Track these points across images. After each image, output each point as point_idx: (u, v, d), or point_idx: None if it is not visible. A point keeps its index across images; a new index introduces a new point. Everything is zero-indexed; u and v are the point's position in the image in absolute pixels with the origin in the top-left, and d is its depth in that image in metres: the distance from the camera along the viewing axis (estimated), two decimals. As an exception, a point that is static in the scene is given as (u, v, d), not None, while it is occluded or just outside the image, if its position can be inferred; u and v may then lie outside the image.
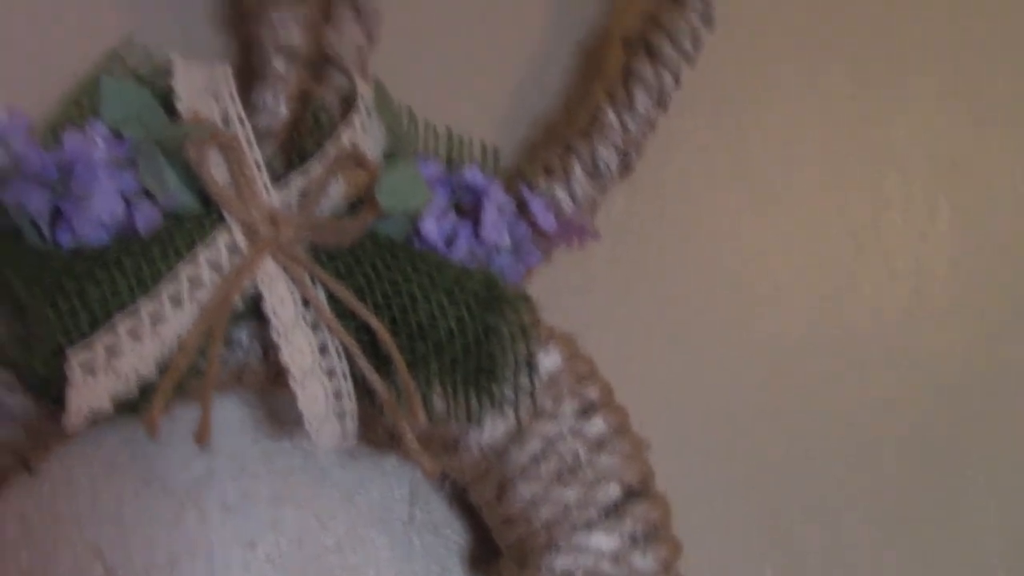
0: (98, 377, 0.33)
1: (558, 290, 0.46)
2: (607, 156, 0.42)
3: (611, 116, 0.43)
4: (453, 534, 0.45)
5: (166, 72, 0.38)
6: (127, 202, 0.35)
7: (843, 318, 0.50)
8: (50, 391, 0.34)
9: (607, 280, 0.47)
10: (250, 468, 0.43)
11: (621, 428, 0.41)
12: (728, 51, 0.49)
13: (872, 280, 0.50)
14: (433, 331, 0.36)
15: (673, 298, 0.48)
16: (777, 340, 0.49)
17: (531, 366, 0.38)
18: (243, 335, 0.38)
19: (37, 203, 0.34)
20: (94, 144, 0.35)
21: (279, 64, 0.39)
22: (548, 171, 0.42)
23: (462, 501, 0.44)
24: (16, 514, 0.40)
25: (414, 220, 0.37)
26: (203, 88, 0.37)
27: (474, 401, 0.37)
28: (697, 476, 0.47)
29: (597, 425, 0.41)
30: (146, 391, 0.34)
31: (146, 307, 0.34)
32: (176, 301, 0.35)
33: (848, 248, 0.50)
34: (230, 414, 0.43)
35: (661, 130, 0.45)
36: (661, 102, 0.43)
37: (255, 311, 0.36)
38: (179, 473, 0.42)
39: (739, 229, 0.49)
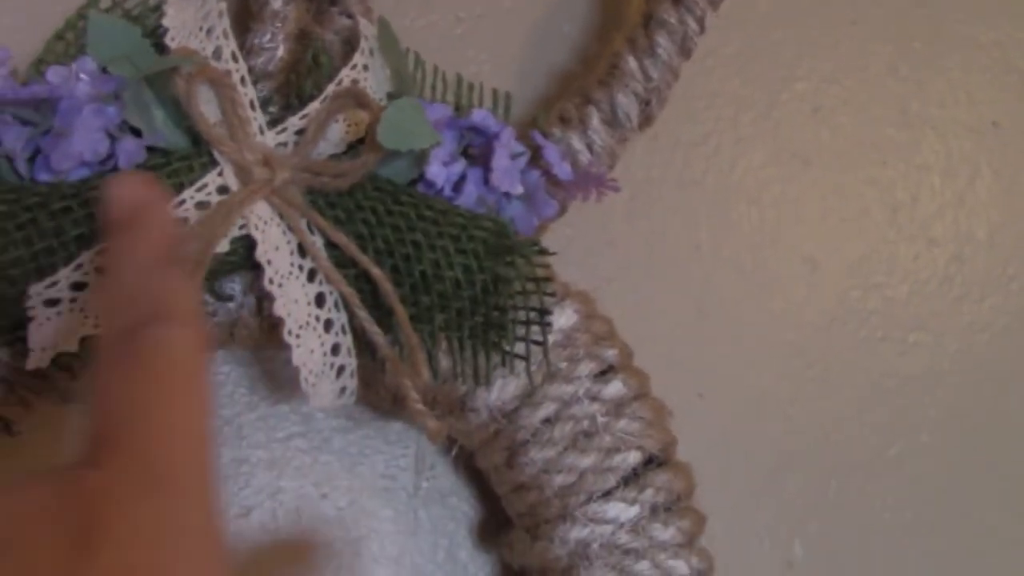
0: (62, 313, 0.32)
1: (575, 247, 0.44)
2: (627, 105, 0.40)
3: (632, 63, 0.40)
4: (461, 504, 0.43)
5: (157, 10, 0.36)
6: (111, 138, 0.33)
7: (878, 287, 0.48)
8: (17, 342, 0.32)
9: (626, 238, 0.45)
10: (246, 434, 0.41)
11: (641, 392, 0.39)
12: (761, 8, 0.48)
13: (909, 247, 0.48)
14: (438, 281, 0.34)
15: (697, 262, 0.46)
16: (808, 308, 0.47)
17: (544, 320, 0.35)
18: (235, 286, 0.36)
19: (14, 139, 0.32)
20: (79, 79, 0.33)
21: (277, 3, 0.37)
22: (564, 120, 0.40)
23: (469, 467, 0.42)
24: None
25: (420, 164, 0.35)
26: (195, 25, 0.35)
27: (482, 358, 0.35)
28: (720, 448, 0.44)
29: (615, 388, 0.38)
30: None
31: None
32: None
33: (883, 213, 0.48)
34: (225, 376, 0.41)
35: (685, 83, 0.42)
36: (684, 49, 0.41)
37: (248, 260, 0.34)
38: None
39: (766, 191, 0.47)
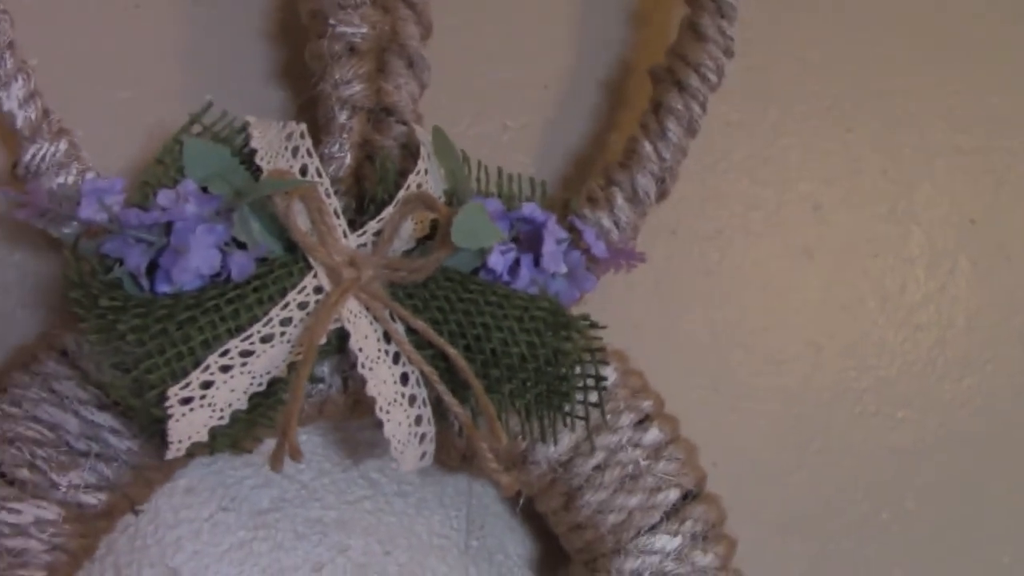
0: (195, 410, 0.36)
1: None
2: (645, 184, 0.45)
3: (647, 147, 0.45)
4: (507, 560, 0.47)
5: (241, 131, 0.41)
6: (221, 253, 0.37)
7: (871, 368, 0.53)
8: (157, 432, 0.37)
9: (650, 320, 0.50)
10: (320, 496, 0.46)
11: (674, 436, 0.44)
12: (766, 115, 0.53)
13: (898, 332, 0.53)
14: (506, 356, 0.39)
15: (712, 343, 0.51)
16: (810, 387, 0.52)
17: (599, 384, 0.40)
18: (324, 370, 0.41)
19: (136, 258, 0.37)
20: (186, 201, 0.37)
21: (343, 116, 0.42)
22: (592, 200, 0.45)
23: (523, 514, 0.47)
24: (103, 538, 0.42)
25: (481, 254, 0.40)
26: (280, 145, 0.40)
27: (547, 420, 0.40)
28: (731, 512, 0.47)
29: (653, 434, 0.44)
30: (236, 421, 0.37)
31: (237, 346, 0.37)
32: (267, 339, 0.37)
33: (875, 301, 0.53)
34: (303, 446, 0.45)
35: (701, 184, 0.49)
36: (691, 130, 0.46)
37: (337, 347, 0.39)
38: (254, 500, 0.45)
39: (774, 280, 0.52)
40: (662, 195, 0.46)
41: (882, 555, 0.51)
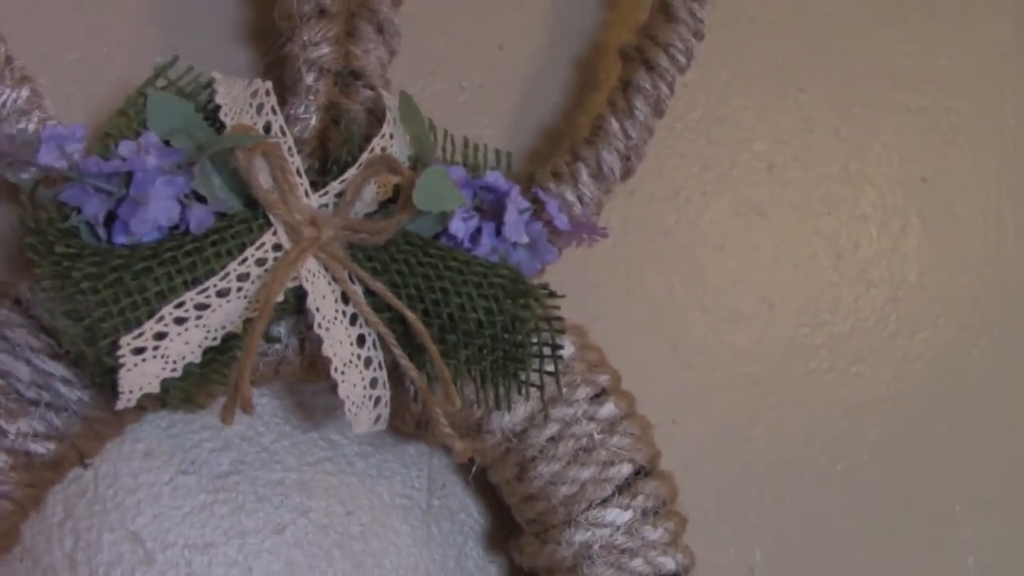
0: (147, 361, 0.36)
1: (563, 290, 0.49)
2: (610, 161, 0.46)
3: (614, 124, 0.46)
4: (468, 519, 0.48)
5: (206, 87, 0.41)
6: (181, 205, 0.37)
7: (825, 324, 0.54)
8: (109, 382, 0.37)
9: (608, 282, 0.51)
10: (280, 458, 0.46)
11: (630, 411, 0.45)
12: (722, 79, 0.53)
13: (851, 289, 0.54)
14: (463, 321, 0.40)
15: (670, 303, 0.52)
16: (765, 344, 0.53)
17: (556, 353, 0.41)
18: (281, 330, 0.41)
19: (94, 207, 0.37)
20: (147, 153, 0.37)
21: (310, 78, 0.42)
22: (557, 175, 0.45)
23: (478, 483, 0.47)
24: (62, 500, 0.43)
25: (442, 220, 0.41)
26: (245, 102, 0.40)
27: (502, 387, 0.41)
28: (691, 467, 0.49)
29: (608, 408, 0.44)
30: (189, 375, 0.37)
31: (192, 298, 0.37)
32: (223, 293, 0.37)
33: (829, 259, 0.54)
34: (262, 408, 0.46)
35: (658, 145, 0.49)
36: (658, 110, 0.47)
37: (296, 306, 0.39)
38: (213, 464, 0.45)
39: (729, 239, 0.53)
40: (627, 173, 0.46)
41: (838, 506, 0.53)
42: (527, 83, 0.51)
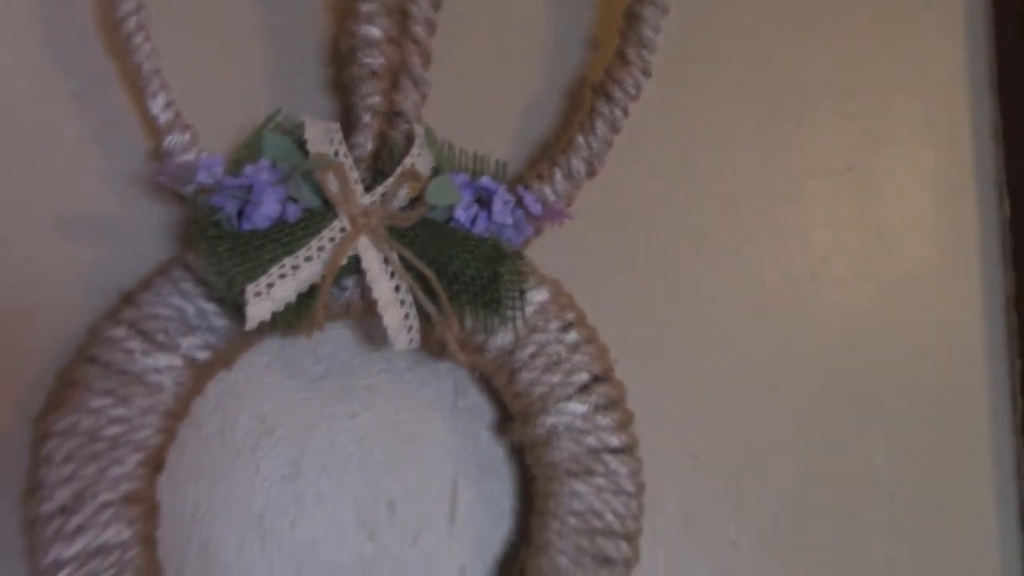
0: (263, 301, 0.51)
1: (540, 250, 0.60)
2: (578, 165, 0.59)
3: (580, 139, 0.59)
4: (482, 413, 0.61)
5: (299, 127, 0.55)
6: (282, 205, 0.58)
7: (759, 281, 0.65)
8: (240, 314, 0.52)
9: (584, 264, 0.63)
10: (354, 369, 0.60)
11: (591, 338, 0.58)
12: (679, 97, 0.66)
13: (787, 253, 0.65)
14: (463, 277, 0.54)
15: (636, 280, 0.64)
16: (707, 305, 0.64)
17: (523, 298, 0.57)
18: (349, 282, 0.55)
19: (230, 207, 0.58)
20: (262, 172, 0.58)
21: (366, 118, 0.59)
22: (539, 176, 0.63)
23: (487, 387, 0.60)
24: (213, 393, 0.58)
25: (450, 211, 0.56)
26: (324, 137, 0.59)
27: (489, 320, 0.55)
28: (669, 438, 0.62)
29: (572, 336, 0.57)
30: (288, 310, 0.52)
31: (290, 262, 0.53)
32: (308, 259, 0.52)
33: (767, 232, 0.65)
34: (340, 335, 0.60)
35: (629, 152, 0.62)
36: (615, 128, 0.59)
37: (355, 267, 0.54)
38: (311, 371, 0.60)
39: (682, 224, 0.65)
40: (591, 174, 0.61)
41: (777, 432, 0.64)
42: (528, 108, 0.64)
